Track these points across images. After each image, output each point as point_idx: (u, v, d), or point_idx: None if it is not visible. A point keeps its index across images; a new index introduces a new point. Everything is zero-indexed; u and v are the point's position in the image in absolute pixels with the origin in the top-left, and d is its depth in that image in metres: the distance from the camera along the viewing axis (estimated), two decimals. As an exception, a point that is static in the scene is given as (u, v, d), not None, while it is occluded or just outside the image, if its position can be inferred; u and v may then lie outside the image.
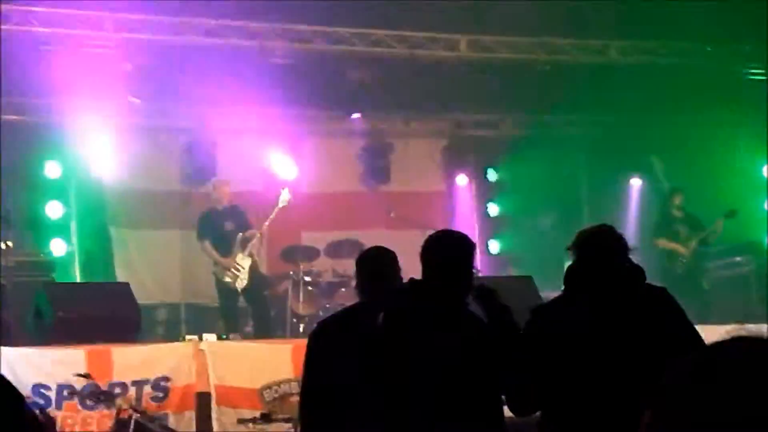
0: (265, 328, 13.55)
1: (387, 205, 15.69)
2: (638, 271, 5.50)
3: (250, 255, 13.90)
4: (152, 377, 10.61)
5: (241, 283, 13.80)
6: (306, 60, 14.23)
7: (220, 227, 13.99)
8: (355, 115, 15.41)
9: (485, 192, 17.07)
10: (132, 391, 10.39)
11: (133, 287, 11.96)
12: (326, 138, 16.47)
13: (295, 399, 10.08)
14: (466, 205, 16.93)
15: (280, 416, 10.40)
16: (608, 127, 16.45)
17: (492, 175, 17.09)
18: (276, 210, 13.98)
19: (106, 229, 15.31)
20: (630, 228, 15.71)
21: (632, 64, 15.14)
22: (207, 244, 13.98)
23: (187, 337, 11.69)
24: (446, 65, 14.69)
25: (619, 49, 15.09)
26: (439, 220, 14.93)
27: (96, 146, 14.79)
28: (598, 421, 5.09)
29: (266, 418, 10.35)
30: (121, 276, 14.60)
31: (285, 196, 13.98)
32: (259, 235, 13.96)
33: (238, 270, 13.79)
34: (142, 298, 12.55)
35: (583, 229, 5.70)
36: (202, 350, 10.92)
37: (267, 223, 14.04)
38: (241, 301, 14.11)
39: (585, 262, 5.49)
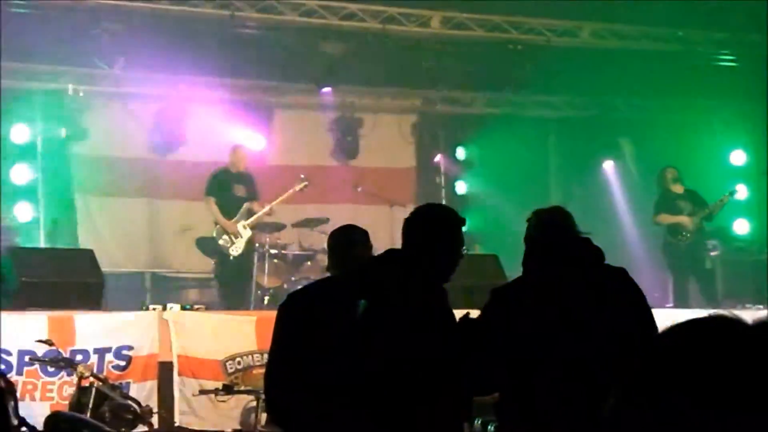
0: (231, 300, 13.58)
1: (354, 180, 15.67)
2: (597, 252, 5.52)
3: (252, 227, 14.00)
4: (115, 345, 10.57)
5: (235, 250, 13.93)
6: (277, 32, 14.15)
7: (229, 189, 14.12)
8: (326, 89, 15.32)
9: (454, 170, 17.06)
10: (94, 358, 10.35)
11: (98, 254, 11.89)
12: (296, 110, 16.42)
13: (258, 371, 10.08)
14: (434, 182, 16.92)
15: (243, 388, 10.41)
16: (579, 108, 16.49)
17: (461, 153, 17.08)
18: (290, 192, 14.18)
19: (72, 195, 15.22)
20: (621, 209, 15.67)
21: (605, 47, 15.18)
22: (212, 201, 14.07)
23: (151, 306, 11.64)
24: (418, 41, 14.65)
25: (591, 32, 15.10)
26: (406, 196, 14.92)
27: (65, 112, 14.69)
28: (557, 402, 5.11)
29: (228, 389, 10.34)
30: (86, 243, 14.50)
31: (302, 182, 14.21)
32: (268, 210, 14.07)
33: (236, 237, 13.92)
34: (106, 265, 12.49)
35: (535, 212, 5.68)
36: (165, 320, 10.88)
37: (278, 201, 14.11)
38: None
39: (541, 244, 5.50)
